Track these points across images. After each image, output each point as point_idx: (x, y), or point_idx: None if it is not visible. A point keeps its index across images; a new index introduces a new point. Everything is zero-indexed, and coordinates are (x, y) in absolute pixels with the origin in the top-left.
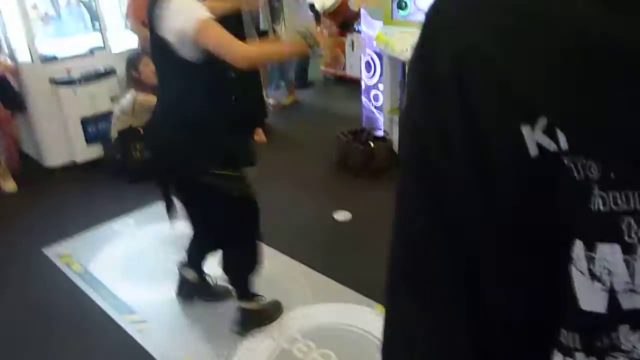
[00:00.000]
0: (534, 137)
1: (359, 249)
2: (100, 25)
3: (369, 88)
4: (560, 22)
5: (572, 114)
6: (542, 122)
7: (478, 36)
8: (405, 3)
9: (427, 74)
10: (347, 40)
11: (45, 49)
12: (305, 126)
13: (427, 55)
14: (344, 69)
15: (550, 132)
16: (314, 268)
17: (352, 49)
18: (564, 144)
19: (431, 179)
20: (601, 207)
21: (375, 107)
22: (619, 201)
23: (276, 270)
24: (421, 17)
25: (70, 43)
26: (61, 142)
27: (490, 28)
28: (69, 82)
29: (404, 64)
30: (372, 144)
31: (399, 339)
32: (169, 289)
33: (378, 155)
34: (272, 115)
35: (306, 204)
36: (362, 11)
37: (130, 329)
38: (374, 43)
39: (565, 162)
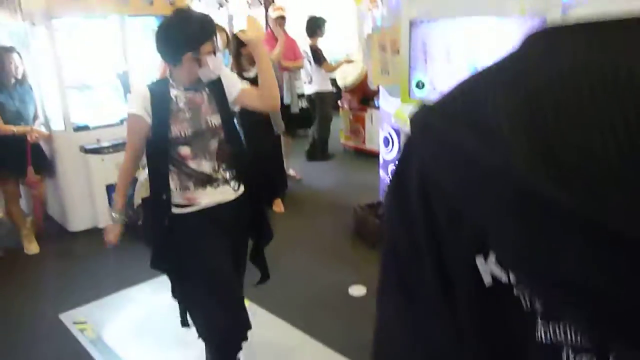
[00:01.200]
0: (487, 267)
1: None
2: None
3: (386, 162)
4: (501, 173)
5: (513, 254)
6: (493, 255)
7: (435, 164)
8: (423, 83)
9: (400, 184)
10: (367, 114)
11: (78, 118)
12: (324, 196)
13: (401, 169)
14: (363, 142)
15: (501, 264)
16: (328, 345)
17: (372, 123)
18: (512, 276)
19: (403, 274)
20: (543, 338)
21: None
22: (558, 333)
23: (288, 344)
24: (437, 97)
25: (102, 113)
26: (86, 207)
27: (446, 160)
28: (98, 150)
29: None
30: None
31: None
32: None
33: None
34: (293, 186)
35: (321, 276)
36: (381, 88)
37: None
38: (392, 119)
39: (515, 292)
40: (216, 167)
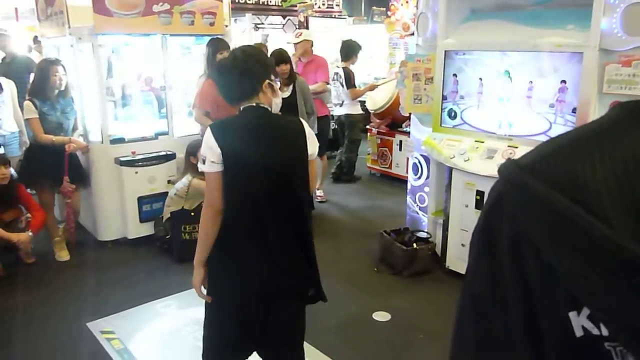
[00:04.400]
0: (579, 321)
1: (398, 352)
2: (167, 112)
3: (414, 189)
4: (608, 246)
5: (609, 311)
6: (586, 310)
7: (529, 226)
8: (455, 113)
9: (488, 243)
10: (395, 140)
11: (115, 131)
12: (350, 220)
13: (489, 222)
14: (390, 167)
15: (593, 319)
16: None
17: (400, 149)
18: (604, 330)
19: (485, 322)
20: None
21: (420, 208)
22: None
23: None
24: (468, 128)
25: (138, 127)
26: (117, 218)
27: (547, 224)
28: (132, 163)
29: (450, 169)
30: (415, 245)
31: None
32: None
33: (420, 257)
34: (319, 208)
35: (346, 300)
36: (413, 116)
37: None
38: (422, 147)
39: (606, 345)
40: None
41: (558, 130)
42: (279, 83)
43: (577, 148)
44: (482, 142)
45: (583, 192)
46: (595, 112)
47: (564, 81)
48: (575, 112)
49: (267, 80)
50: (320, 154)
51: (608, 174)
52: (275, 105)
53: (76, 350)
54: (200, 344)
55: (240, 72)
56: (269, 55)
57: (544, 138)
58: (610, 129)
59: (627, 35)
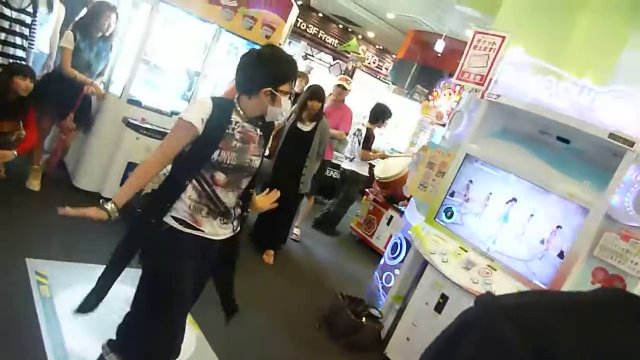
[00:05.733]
0: None
1: None
2: (191, 97)
3: (385, 267)
4: None
5: None
6: None
7: None
8: (452, 213)
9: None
10: (387, 213)
11: (135, 93)
12: (314, 268)
13: (451, 345)
14: (371, 235)
15: None
16: None
17: (388, 224)
18: None
19: None
20: None
21: (383, 287)
22: None
23: None
24: (458, 232)
25: (159, 98)
26: (99, 172)
27: None
28: (138, 128)
29: (426, 263)
30: (364, 320)
31: None
32: None
33: (363, 333)
34: (289, 245)
35: (274, 341)
36: (412, 199)
37: None
38: (409, 231)
39: None
40: (235, 204)
41: (538, 264)
42: (289, 98)
43: (558, 314)
44: (466, 251)
45: (548, 352)
46: (580, 267)
47: (559, 226)
48: (560, 257)
49: (269, 89)
50: (308, 194)
51: (581, 349)
52: (274, 115)
53: (3, 279)
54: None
55: (249, 63)
56: (306, 87)
57: (522, 265)
58: (598, 314)
59: (635, 213)
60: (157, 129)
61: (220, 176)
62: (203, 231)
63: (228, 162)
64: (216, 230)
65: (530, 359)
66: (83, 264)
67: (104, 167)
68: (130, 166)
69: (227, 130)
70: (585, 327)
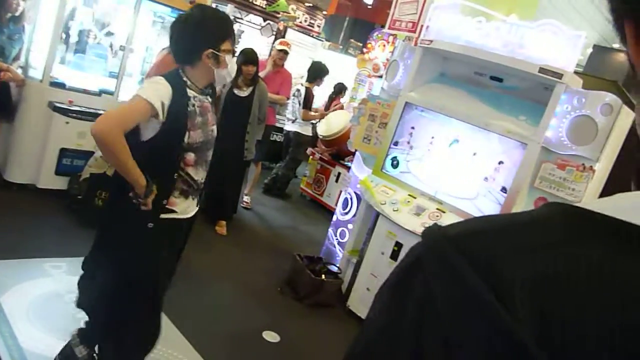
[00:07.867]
0: None
1: None
2: (118, 73)
3: (338, 223)
4: (509, 339)
5: None
6: None
7: (444, 298)
8: (398, 162)
9: (396, 301)
10: (334, 170)
11: (58, 74)
12: (268, 234)
13: (403, 283)
14: (321, 194)
15: None
16: None
17: (336, 181)
18: None
19: None
20: None
21: (339, 243)
22: None
23: None
24: (405, 180)
25: (84, 78)
26: (31, 162)
27: (457, 300)
28: (66, 112)
29: (377, 214)
30: (324, 277)
31: None
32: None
33: (325, 290)
34: (241, 213)
35: (240, 311)
36: (358, 153)
37: None
38: (358, 185)
39: None
40: (203, 179)
41: (483, 201)
42: (234, 58)
43: (507, 236)
44: (415, 197)
45: (499, 281)
46: (522, 200)
47: (501, 162)
48: (504, 191)
49: (210, 50)
50: (255, 160)
51: (528, 275)
52: (222, 78)
53: None
54: (79, 315)
55: (181, 30)
56: (238, 52)
57: (469, 204)
58: (545, 230)
59: (569, 142)
60: (87, 110)
61: (190, 156)
62: (176, 212)
63: (197, 140)
64: (187, 207)
65: (484, 290)
66: (23, 259)
67: (35, 156)
68: (64, 152)
69: (189, 109)
70: (540, 252)
